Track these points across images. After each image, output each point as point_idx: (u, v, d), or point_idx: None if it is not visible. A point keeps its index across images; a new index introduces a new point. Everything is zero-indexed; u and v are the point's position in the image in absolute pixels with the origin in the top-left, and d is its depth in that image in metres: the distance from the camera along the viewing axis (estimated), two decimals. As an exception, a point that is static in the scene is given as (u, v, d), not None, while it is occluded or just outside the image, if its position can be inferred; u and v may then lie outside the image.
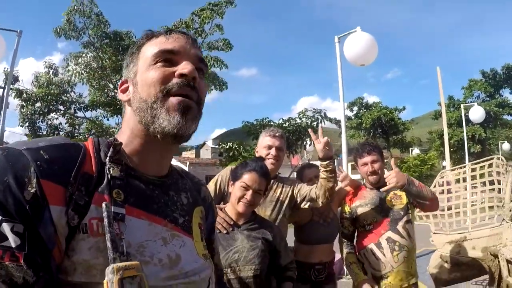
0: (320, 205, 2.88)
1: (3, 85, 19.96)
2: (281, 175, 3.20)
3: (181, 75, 0.98)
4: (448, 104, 34.17)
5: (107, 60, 15.71)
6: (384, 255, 2.98)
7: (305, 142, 18.59)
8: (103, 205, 0.84)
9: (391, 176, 2.88)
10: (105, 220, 0.82)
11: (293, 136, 17.13)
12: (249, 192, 2.29)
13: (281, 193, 2.96)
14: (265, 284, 2.34)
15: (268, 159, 2.92)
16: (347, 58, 6.85)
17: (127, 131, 1.02)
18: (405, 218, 3.04)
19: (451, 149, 25.87)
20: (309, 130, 2.86)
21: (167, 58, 1.00)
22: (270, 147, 2.97)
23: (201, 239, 1.10)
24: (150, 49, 1.02)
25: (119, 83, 1.09)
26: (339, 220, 3.28)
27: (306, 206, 2.94)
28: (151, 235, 0.92)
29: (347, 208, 3.21)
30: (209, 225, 1.25)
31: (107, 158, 0.92)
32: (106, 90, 16.51)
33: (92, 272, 0.80)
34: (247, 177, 2.31)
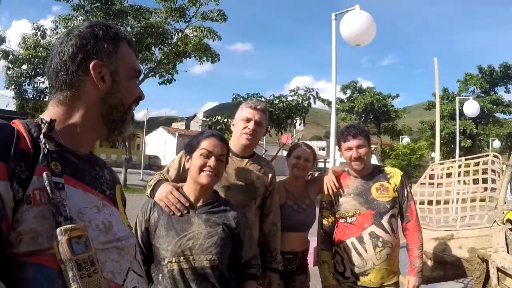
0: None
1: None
2: (267, 154, 2.88)
3: (140, 98, 1.22)
4: (442, 96, 33.90)
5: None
6: (366, 251, 2.72)
7: (295, 121, 18.32)
8: (44, 174, 0.91)
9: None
10: (48, 188, 0.90)
11: (283, 114, 16.83)
12: (212, 159, 2.01)
13: (257, 178, 2.62)
14: (227, 277, 2.02)
15: (244, 133, 2.58)
16: (343, 36, 6.49)
17: (74, 111, 1.09)
18: (391, 212, 2.76)
19: (442, 141, 25.78)
20: None
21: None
22: (248, 120, 2.59)
23: (124, 212, 1.22)
24: (129, 56, 1.18)
25: (91, 64, 1.09)
26: (319, 210, 2.98)
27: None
28: (86, 202, 1.02)
29: (327, 197, 2.92)
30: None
31: (41, 134, 0.99)
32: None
33: (38, 240, 0.88)
34: (206, 143, 2.04)
